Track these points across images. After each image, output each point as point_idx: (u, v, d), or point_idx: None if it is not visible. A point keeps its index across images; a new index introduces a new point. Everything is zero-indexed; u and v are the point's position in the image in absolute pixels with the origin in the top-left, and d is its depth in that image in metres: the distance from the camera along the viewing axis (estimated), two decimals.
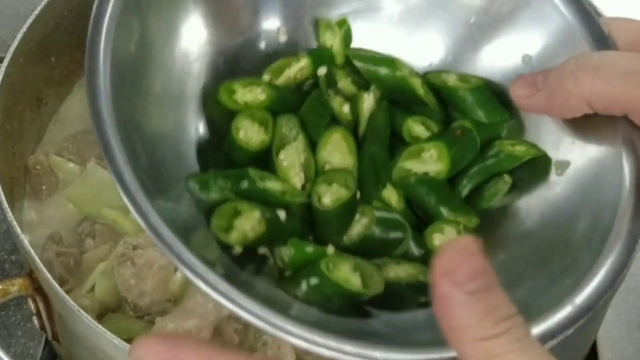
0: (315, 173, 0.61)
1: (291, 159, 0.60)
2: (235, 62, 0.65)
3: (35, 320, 0.79)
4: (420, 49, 0.66)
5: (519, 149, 0.62)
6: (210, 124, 0.62)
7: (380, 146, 0.62)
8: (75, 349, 0.80)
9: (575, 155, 0.61)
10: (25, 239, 0.74)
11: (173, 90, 0.61)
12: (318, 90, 0.63)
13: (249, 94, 0.62)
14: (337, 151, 0.61)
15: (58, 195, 0.88)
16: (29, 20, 0.85)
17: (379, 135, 0.62)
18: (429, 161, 0.61)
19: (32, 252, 0.73)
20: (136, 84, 0.59)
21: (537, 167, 0.62)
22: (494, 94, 0.64)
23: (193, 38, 0.63)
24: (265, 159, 0.61)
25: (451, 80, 0.64)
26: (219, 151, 0.62)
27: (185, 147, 0.61)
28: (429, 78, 0.65)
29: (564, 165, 0.61)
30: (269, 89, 0.62)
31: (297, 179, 0.59)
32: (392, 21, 0.66)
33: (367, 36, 0.66)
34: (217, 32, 0.64)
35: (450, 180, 0.62)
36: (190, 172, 0.60)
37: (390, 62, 0.65)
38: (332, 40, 0.66)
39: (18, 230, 0.75)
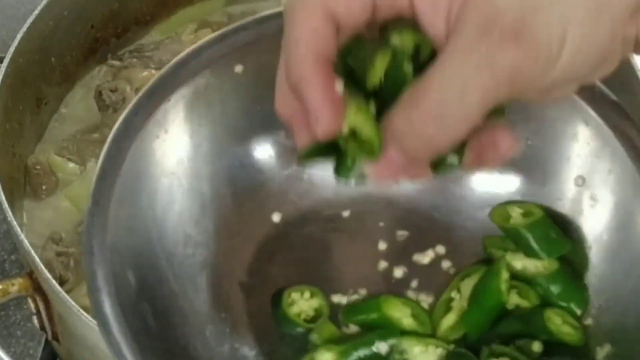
0: None
1: None
2: None
3: (35, 320, 0.79)
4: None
5: (564, 331, 0.60)
6: None
7: None
8: (75, 349, 0.80)
9: None
10: (25, 239, 0.74)
11: None
12: None
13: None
14: None
15: (58, 195, 0.88)
16: (29, 20, 0.85)
17: None
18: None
19: (32, 252, 0.73)
20: None
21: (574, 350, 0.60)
22: (555, 222, 0.63)
23: None
24: None
25: (515, 215, 0.62)
26: None
27: None
28: (494, 215, 0.63)
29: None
30: None
31: None
32: None
33: None
34: None
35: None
36: None
37: None
38: None
39: (18, 230, 0.74)
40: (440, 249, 0.66)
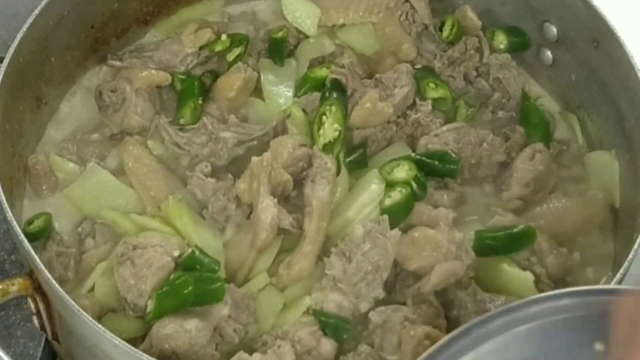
0: None
1: None
2: None
3: (35, 320, 0.79)
4: None
5: None
6: None
7: None
8: (75, 349, 0.80)
9: None
10: (25, 239, 0.74)
11: None
12: None
13: None
14: None
15: (58, 195, 0.88)
16: (29, 20, 0.85)
17: None
18: None
19: (32, 252, 0.73)
20: None
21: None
22: None
23: None
24: None
25: None
26: None
27: None
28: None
29: None
30: None
31: None
32: None
33: None
34: None
35: None
36: None
37: None
38: None
39: (18, 230, 0.75)
40: None
